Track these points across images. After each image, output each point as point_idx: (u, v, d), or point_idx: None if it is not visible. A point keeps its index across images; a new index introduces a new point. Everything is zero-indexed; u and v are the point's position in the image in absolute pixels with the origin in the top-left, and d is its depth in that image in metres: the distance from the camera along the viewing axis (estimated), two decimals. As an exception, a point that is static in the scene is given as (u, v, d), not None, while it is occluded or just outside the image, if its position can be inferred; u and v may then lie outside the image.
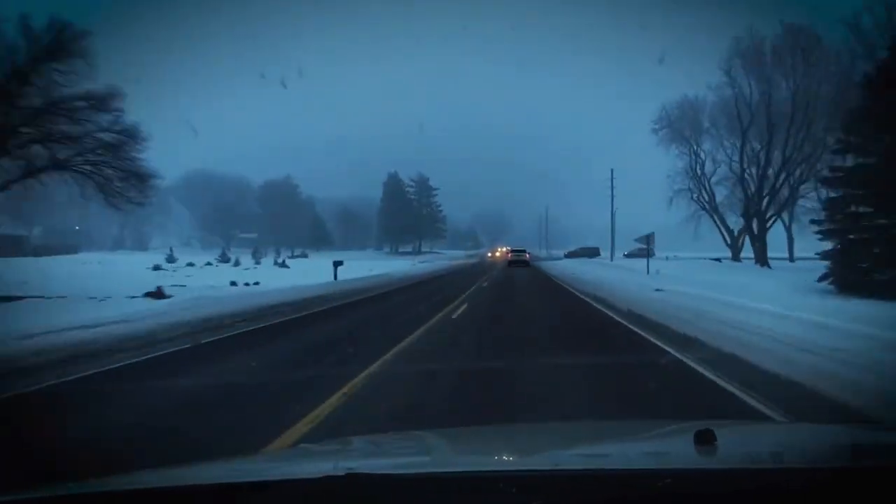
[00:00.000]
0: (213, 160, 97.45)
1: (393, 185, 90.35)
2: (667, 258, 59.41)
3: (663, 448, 2.06)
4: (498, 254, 52.99)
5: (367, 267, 37.10)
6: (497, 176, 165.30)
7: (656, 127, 53.75)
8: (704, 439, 1.65)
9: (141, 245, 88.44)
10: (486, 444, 2.28)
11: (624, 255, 67.87)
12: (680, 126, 53.42)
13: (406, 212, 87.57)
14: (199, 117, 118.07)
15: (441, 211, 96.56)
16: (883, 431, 2.75)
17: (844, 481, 1.41)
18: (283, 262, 37.94)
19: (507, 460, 2.06)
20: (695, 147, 53.18)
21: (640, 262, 46.44)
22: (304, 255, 62.49)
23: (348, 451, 2.19)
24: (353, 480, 1.34)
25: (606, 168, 64.03)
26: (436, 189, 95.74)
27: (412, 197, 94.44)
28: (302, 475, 1.54)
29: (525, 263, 46.26)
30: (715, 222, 52.64)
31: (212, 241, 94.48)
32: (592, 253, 71.26)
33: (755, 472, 1.58)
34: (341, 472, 1.36)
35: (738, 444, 1.99)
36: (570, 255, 71.45)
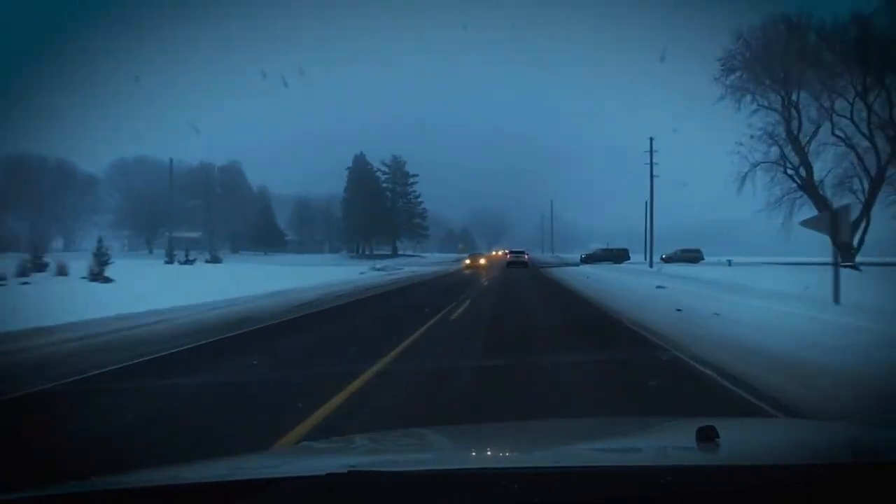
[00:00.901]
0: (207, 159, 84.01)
1: (359, 171, 72.47)
2: (729, 263, 42.64)
3: (665, 445, 2.06)
4: (483, 260, 34.53)
5: (251, 280, 20.11)
6: (497, 177, 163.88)
7: (725, 68, 36.37)
8: (706, 436, 1.66)
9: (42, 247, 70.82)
10: (488, 442, 2.29)
11: (662, 258, 51.60)
12: (763, 64, 35.86)
13: (376, 204, 69.80)
14: (197, 116, 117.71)
15: (421, 203, 78.84)
16: (885, 428, 2.72)
17: (846, 478, 1.42)
18: (101, 272, 20.41)
19: (508, 457, 2.04)
20: (790, 95, 35.57)
21: (695, 270, 29.45)
22: (217, 260, 44.81)
23: (351, 448, 2.23)
24: (355, 478, 1.35)
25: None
26: (414, 176, 78.00)
27: (385, 185, 76.25)
28: (304, 472, 1.53)
29: (524, 265, 44.75)
30: (818, 209, 34.73)
31: (142, 242, 78.01)
32: (619, 256, 54.18)
33: (757, 468, 1.56)
34: (343, 470, 1.36)
35: (740, 441, 1.97)
36: (588, 260, 54.42)
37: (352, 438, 2.49)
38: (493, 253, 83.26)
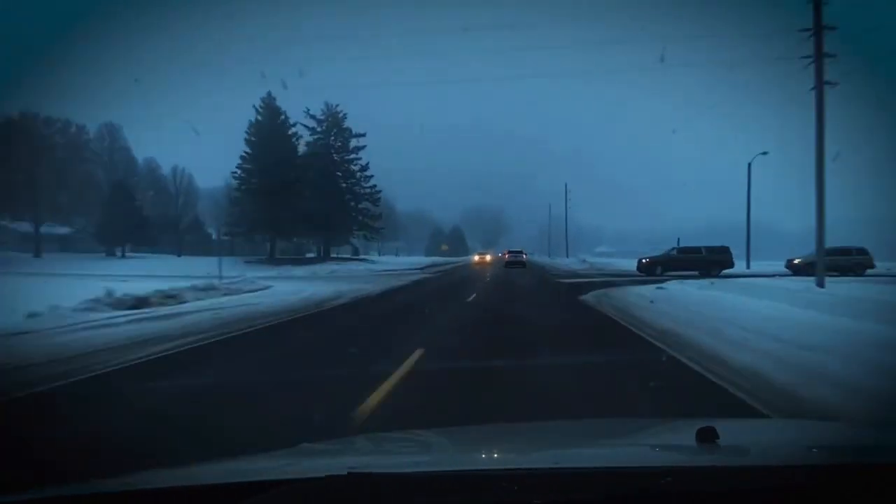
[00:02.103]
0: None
1: (268, 127, 46.47)
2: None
3: (665, 445, 2.09)
4: None
5: None
6: (495, 178, 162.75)
7: None
8: (706, 437, 1.69)
9: None
10: (487, 443, 2.32)
11: (794, 263, 28.05)
12: None
13: (293, 178, 44.26)
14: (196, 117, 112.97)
15: (370, 178, 52.68)
16: (885, 428, 2.75)
17: (846, 478, 1.44)
18: None
19: (508, 458, 2.06)
20: None
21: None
22: None
23: (350, 449, 2.29)
24: (354, 479, 1.37)
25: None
26: (358, 136, 51.92)
27: (311, 151, 50.35)
28: (304, 474, 1.55)
29: (522, 265, 46.62)
30: None
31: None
32: (714, 261, 29.75)
33: (757, 469, 1.60)
34: (343, 471, 1.38)
35: (739, 442, 1.99)
36: (652, 267, 30.26)
37: (351, 440, 2.64)
38: (477, 257, 59.56)
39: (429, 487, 1.39)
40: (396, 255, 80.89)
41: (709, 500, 1.34)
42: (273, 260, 45.27)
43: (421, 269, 43.59)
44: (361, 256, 58.69)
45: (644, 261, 31.93)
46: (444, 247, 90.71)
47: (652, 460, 1.79)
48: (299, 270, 37.67)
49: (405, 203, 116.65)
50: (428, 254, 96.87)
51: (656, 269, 30.81)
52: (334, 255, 54.60)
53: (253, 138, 46.26)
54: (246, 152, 46.86)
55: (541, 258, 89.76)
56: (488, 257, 61.30)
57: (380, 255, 77.97)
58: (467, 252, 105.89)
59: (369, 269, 39.15)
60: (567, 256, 73.14)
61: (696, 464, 1.61)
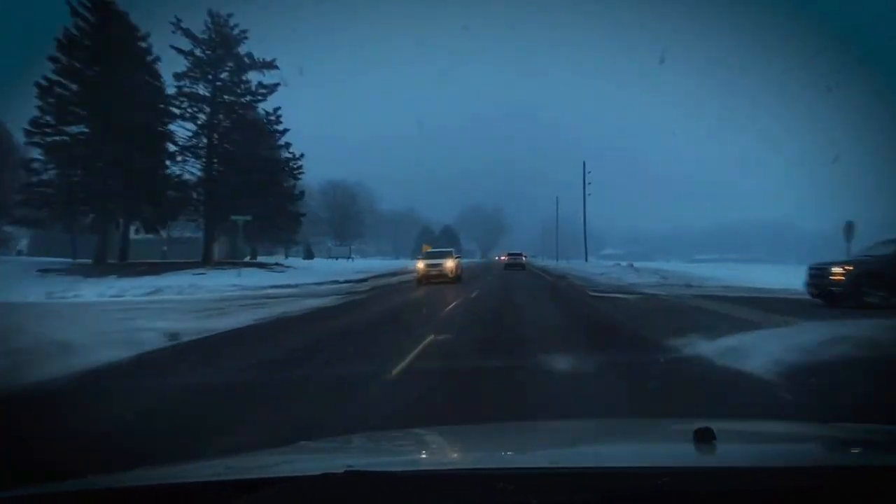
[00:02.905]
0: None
1: (99, 37, 26.67)
2: None
3: (662, 446, 2.10)
4: None
5: None
6: (494, 178, 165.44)
7: None
8: (703, 437, 1.68)
9: None
10: (484, 442, 2.32)
11: None
12: None
13: (145, 122, 26.04)
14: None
15: (282, 135, 33.10)
16: (884, 428, 2.56)
17: (845, 479, 1.44)
18: None
19: (505, 458, 2.04)
20: None
21: None
22: None
23: (347, 448, 2.30)
24: (351, 477, 1.37)
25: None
26: (265, 67, 31.89)
27: (189, 86, 31.64)
28: (301, 472, 1.56)
29: (521, 266, 47.88)
30: None
31: None
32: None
33: (754, 470, 1.59)
34: (340, 470, 1.38)
35: (737, 443, 2.00)
36: (852, 280, 11.32)
37: (349, 438, 2.55)
38: (422, 264, 26.97)
39: (426, 486, 1.39)
40: (349, 258, 62.84)
41: (706, 501, 1.34)
42: (102, 265, 26.48)
43: (350, 282, 25.48)
44: (275, 261, 40.43)
45: (837, 271, 13.41)
46: (427, 248, 73.17)
47: (649, 461, 1.78)
48: (93, 289, 19.59)
49: (398, 202, 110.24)
50: (414, 256, 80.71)
51: (866, 289, 12.86)
52: (247, 260, 36.54)
53: (73, 60, 26.91)
54: (49, 79, 26.48)
55: (545, 262, 72.41)
56: (450, 263, 26.67)
57: (336, 259, 60.04)
58: (463, 255, 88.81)
59: (241, 287, 20.88)
60: (585, 260, 55.22)
61: (694, 464, 1.62)
